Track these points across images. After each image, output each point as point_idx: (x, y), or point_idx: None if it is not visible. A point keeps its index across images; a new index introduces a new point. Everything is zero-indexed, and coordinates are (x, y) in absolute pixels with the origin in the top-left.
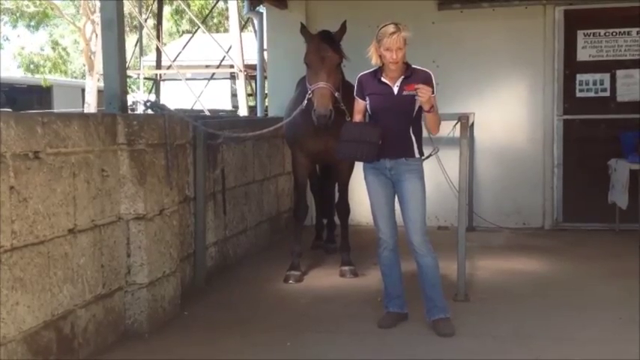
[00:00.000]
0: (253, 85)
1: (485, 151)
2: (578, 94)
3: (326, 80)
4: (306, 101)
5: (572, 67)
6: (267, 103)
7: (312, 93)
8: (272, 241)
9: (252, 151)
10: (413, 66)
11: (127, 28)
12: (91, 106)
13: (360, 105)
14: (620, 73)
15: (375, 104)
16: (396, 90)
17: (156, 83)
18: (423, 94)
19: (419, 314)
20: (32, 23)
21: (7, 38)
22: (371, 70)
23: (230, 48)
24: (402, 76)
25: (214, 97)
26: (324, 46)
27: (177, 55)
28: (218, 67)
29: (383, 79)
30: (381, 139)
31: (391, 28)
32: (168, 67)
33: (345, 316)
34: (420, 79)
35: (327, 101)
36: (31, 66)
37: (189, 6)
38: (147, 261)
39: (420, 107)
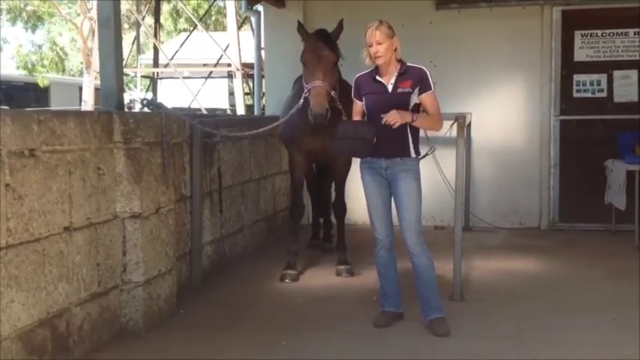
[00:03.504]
0: (251, 83)
1: (482, 151)
2: (576, 95)
3: (322, 79)
4: (302, 100)
5: (569, 67)
6: (264, 102)
7: (309, 92)
8: (268, 240)
9: (249, 150)
10: (408, 64)
11: (126, 25)
12: (88, 104)
13: (358, 106)
14: (617, 73)
15: (370, 103)
16: (390, 88)
17: (153, 81)
18: (393, 120)
19: (415, 313)
20: (30, 23)
21: (6, 40)
22: (367, 70)
23: (227, 47)
24: (396, 74)
25: (212, 96)
26: (321, 45)
27: (175, 54)
28: (215, 65)
29: (378, 77)
30: (375, 136)
31: (371, 24)
32: (166, 66)
33: (340, 315)
34: (414, 76)
35: (323, 100)
36: (29, 64)
37: (186, 5)
38: (143, 259)
39: (416, 105)
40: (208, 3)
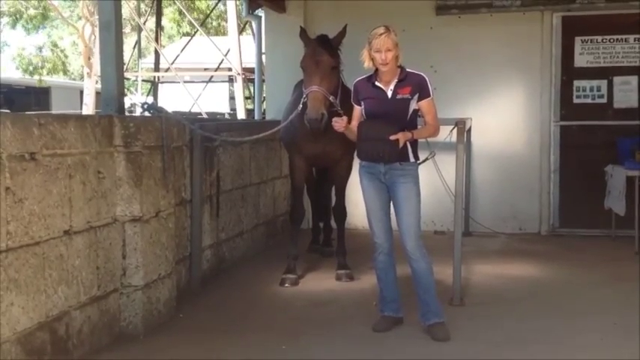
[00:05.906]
0: (251, 88)
1: (482, 156)
2: (576, 100)
3: (319, 84)
4: (301, 105)
5: (569, 73)
6: (264, 107)
7: (307, 97)
8: (268, 244)
9: (249, 154)
10: (407, 70)
11: (129, 28)
12: (89, 107)
13: (357, 111)
14: (617, 79)
15: (369, 108)
16: (389, 93)
17: (154, 85)
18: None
19: (414, 318)
20: (30, 26)
21: (7, 44)
22: (366, 75)
23: (228, 51)
24: (396, 80)
25: (212, 100)
26: (320, 50)
27: (176, 58)
28: (216, 70)
29: (377, 83)
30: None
31: (380, 30)
32: (167, 70)
33: (340, 319)
34: (414, 83)
35: (318, 105)
36: (30, 67)
37: (189, 8)
38: (142, 263)
39: (415, 111)
40: (209, 8)
